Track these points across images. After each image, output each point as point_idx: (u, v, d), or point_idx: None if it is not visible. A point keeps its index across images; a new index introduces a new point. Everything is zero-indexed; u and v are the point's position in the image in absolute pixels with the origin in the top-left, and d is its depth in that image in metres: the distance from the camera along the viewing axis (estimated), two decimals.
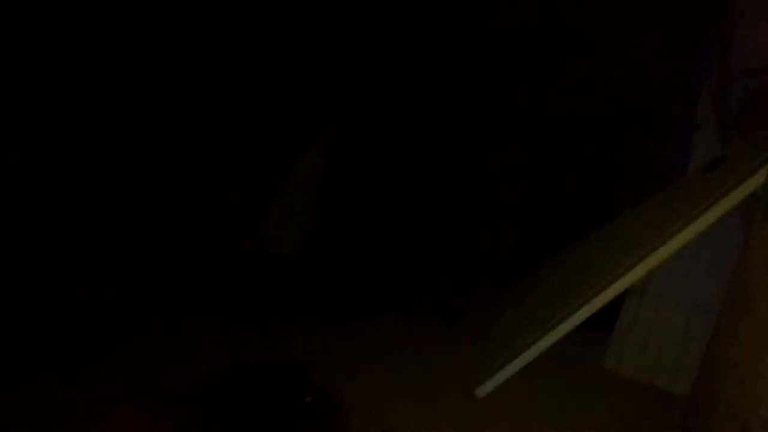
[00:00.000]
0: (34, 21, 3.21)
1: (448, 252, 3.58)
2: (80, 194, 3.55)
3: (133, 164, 3.69)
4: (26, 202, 3.34)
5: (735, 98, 2.79)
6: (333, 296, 3.37)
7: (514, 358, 2.34)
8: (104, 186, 3.61)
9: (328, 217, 3.94)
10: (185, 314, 3.11)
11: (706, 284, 2.42)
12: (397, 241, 3.70)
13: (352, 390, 2.51)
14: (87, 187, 3.57)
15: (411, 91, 3.60)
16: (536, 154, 3.23)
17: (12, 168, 3.29)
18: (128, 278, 3.38)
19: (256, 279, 3.58)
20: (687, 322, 2.43)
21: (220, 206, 4.03)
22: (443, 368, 2.69)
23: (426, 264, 3.63)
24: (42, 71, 3.30)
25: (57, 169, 3.44)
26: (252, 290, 3.46)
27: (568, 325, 2.25)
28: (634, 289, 2.51)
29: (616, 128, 3.04)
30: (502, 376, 2.34)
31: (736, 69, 2.80)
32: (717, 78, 2.85)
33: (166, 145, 3.80)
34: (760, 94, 2.67)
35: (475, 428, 2.28)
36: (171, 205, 3.86)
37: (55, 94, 3.36)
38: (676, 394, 2.45)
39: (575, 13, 3.11)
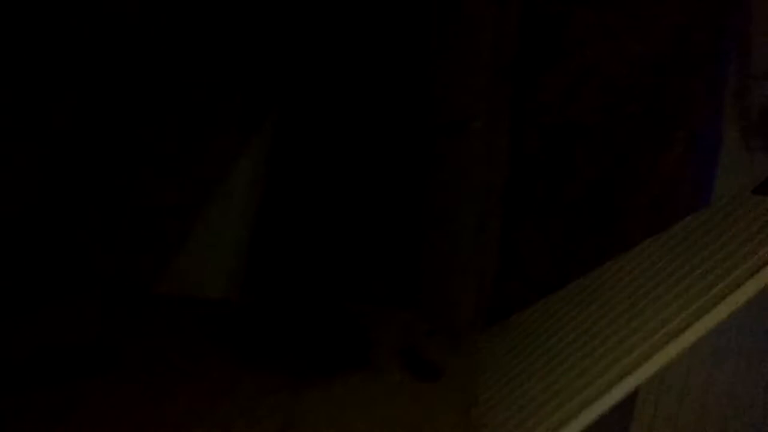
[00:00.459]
0: None
1: (420, 287, 2.98)
2: None
3: None
4: None
5: (756, 103, 2.40)
6: (275, 350, 2.69)
7: None
8: None
9: (266, 248, 3.25)
10: (68, 389, 2.29)
11: None
12: (355, 277, 3.07)
13: None
14: None
15: (371, 93, 2.99)
16: (520, 170, 2.70)
17: None
18: None
19: (171, 331, 2.82)
20: (749, 378, 1.95)
21: (116, 236, 3.21)
22: None
23: (391, 303, 3.01)
24: None
25: None
26: (166, 347, 2.70)
27: (605, 403, 1.71)
28: None
29: (618, 139, 2.55)
30: None
31: (757, 69, 2.41)
32: (735, 79, 2.43)
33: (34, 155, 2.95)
34: None
35: None
36: (40, 234, 3.00)
37: None
38: None
39: (565, 1, 2.61)
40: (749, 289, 1.63)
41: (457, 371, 2.51)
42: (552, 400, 1.81)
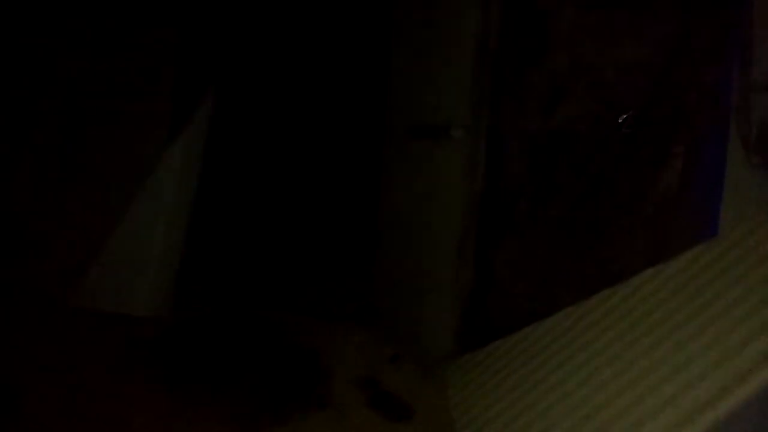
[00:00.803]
0: None
1: (377, 303, 2.69)
2: None
3: None
4: None
5: (757, 118, 2.22)
6: (215, 384, 2.33)
7: None
8: None
9: (200, 255, 2.85)
10: None
11: None
12: (311, 292, 2.74)
13: None
14: None
15: (326, 87, 2.64)
16: (499, 182, 2.44)
17: None
18: None
19: (89, 357, 2.39)
20: None
21: (18, 239, 2.67)
22: None
23: (355, 329, 2.69)
24: None
25: None
26: (83, 379, 2.27)
27: None
28: None
29: (607, 151, 2.31)
30: None
31: (757, 82, 2.23)
32: (735, 92, 2.24)
33: None
34: None
35: None
36: None
37: None
38: None
39: None
40: None
41: (429, 408, 2.22)
42: None
